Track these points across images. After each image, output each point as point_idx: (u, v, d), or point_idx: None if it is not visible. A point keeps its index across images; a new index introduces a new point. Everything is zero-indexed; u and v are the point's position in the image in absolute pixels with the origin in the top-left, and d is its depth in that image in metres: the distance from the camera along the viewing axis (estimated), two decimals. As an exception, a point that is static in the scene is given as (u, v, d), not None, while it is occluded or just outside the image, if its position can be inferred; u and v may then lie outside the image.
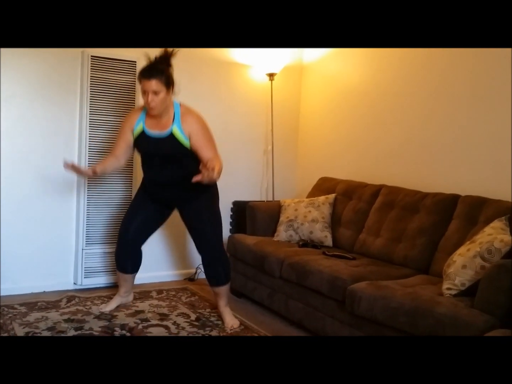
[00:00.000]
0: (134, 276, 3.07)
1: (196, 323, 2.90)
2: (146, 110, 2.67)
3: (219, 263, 2.85)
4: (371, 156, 3.64)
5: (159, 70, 2.57)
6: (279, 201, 3.69)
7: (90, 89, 3.27)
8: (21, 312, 2.92)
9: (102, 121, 3.33)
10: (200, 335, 2.74)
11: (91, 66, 3.25)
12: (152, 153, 2.72)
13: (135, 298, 3.28)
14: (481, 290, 2.06)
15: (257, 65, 4.01)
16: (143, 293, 3.41)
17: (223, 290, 2.90)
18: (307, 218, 3.38)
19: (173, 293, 3.46)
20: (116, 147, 2.83)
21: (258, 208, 3.59)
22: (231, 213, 3.94)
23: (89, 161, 3.31)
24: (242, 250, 3.32)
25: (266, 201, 4.09)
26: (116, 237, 3.40)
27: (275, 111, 4.07)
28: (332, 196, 3.51)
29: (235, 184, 4.06)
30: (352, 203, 3.40)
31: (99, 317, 2.91)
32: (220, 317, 2.97)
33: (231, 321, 2.90)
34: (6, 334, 2.58)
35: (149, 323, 2.87)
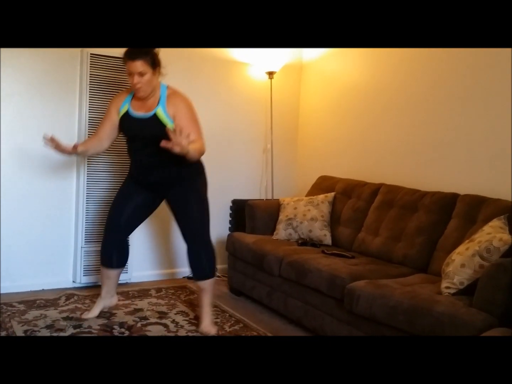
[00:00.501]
0: (119, 273, 2.92)
1: (195, 321, 2.90)
2: (133, 92, 2.62)
3: (204, 253, 2.72)
4: (371, 154, 3.64)
5: (144, 51, 2.50)
6: (278, 199, 3.69)
7: (89, 87, 3.26)
8: (19, 310, 2.92)
9: (101, 119, 3.32)
10: (198, 333, 2.74)
11: (90, 64, 3.25)
12: (135, 135, 2.65)
13: (134, 296, 3.28)
14: (479, 289, 2.06)
15: (257, 64, 4.00)
16: (142, 291, 3.41)
17: (208, 284, 2.75)
18: (306, 216, 3.38)
19: (172, 291, 3.46)
20: (100, 128, 2.77)
21: (258, 206, 3.59)
22: (230, 212, 3.94)
23: (88, 159, 3.31)
24: (241, 249, 3.32)
25: (266, 199, 4.09)
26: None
27: (274, 109, 4.07)
28: (331, 195, 3.51)
29: (234, 183, 4.06)
30: (351, 201, 3.40)
31: (98, 315, 2.91)
32: (198, 316, 2.83)
33: (207, 327, 2.74)
34: (5, 332, 2.58)
35: (148, 321, 2.87)
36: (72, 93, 3.32)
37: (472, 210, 2.67)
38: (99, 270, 3.43)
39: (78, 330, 2.68)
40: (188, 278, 3.78)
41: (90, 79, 3.26)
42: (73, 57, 3.29)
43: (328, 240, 3.34)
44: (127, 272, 3.54)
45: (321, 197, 3.50)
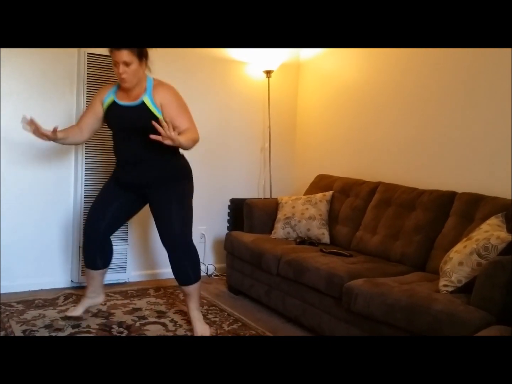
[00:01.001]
0: (104, 273, 2.84)
1: (194, 321, 2.90)
2: (119, 84, 2.55)
3: (186, 258, 2.60)
4: (368, 153, 3.64)
5: None
6: (276, 198, 3.70)
7: (87, 86, 3.26)
8: (18, 310, 2.92)
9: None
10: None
11: (87, 63, 3.25)
12: (121, 125, 2.56)
13: (132, 296, 3.28)
14: (477, 287, 2.06)
15: (254, 62, 4.00)
16: (141, 291, 3.42)
17: (192, 290, 2.62)
18: (304, 215, 3.38)
19: (171, 290, 3.46)
20: (81, 118, 2.70)
21: (256, 205, 3.59)
22: (229, 211, 3.94)
23: (86, 158, 3.31)
24: (239, 248, 3.33)
25: (264, 198, 4.09)
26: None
27: (272, 108, 4.07)
28: (329, 194, 3.51)
29: (232, 182, 4.06)
30: (349, 200, 3.41)
31: (96, 314, 2.91)
32: (189, 323, 2.74)
33: (201, 329, 2.66)
34: (3, 332, 2.58)
35: (146, 320, 2.87)
36: (70, 92, 3.32)
37: (470, 208, 2.67)
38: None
39: (76, 329, 2.68)
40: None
41: (87, 78, 3.25)
42: (70, 57, 3.29)
43: (326, 238, 3.34)
44: (125, 272, 3.54)
45: (319, 195, 3.51)
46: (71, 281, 3.42)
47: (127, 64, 2.42)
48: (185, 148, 2.42)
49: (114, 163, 2.73)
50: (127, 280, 3.58)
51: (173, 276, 2.65)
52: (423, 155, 3.22)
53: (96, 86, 3.28)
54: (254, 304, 3.29)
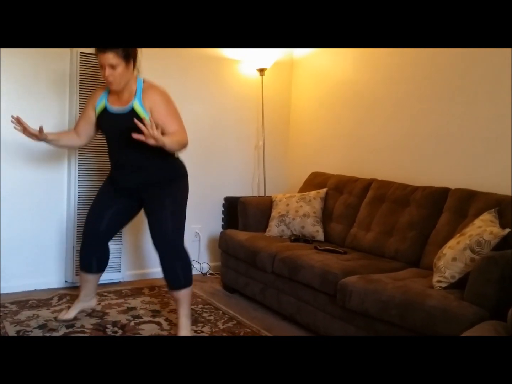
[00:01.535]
0: (98, 277, 2.82)
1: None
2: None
3: (177, 263, 2.53)
4: (362, 150, 3.65)
5: None
6: (270, 196, 3.70)
7: (79, 85, 3.24)
8: (12, 310, 2.90)
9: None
10: (192, 331, 2.74)
11: (80, 62, 3.23)
12: (113, 131, 2.53)
13: (127, 295, 3.28)
14: (471, 283, 2.07)
15: (248, 61, 4.00)
16: (135, 290, 3.41)
17: (183, 295, 2.55)
18: (298, 213, 3.39)
19: (165, 289, 3.45)
20: (76, 124, 2.70)
21: (250, 203, 3.59)
22: (223, 209, 3.94)
23: (79, 158, 3.29)
24: (234, 246, 3.33)
25: (258, 196, 4.09)
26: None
27: (266, 106, 4.07)
28: (323, 191, 3.52)
29: (226, 180, 4.06)
30: (343, 197, 3.41)
31: (90, 314, 2.90)
32: (176, 326, 2.64)
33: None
34: (-3, 333, 2.57)
35: (141, 319, 2.87)
36: (62, 92, 3.30)
37: (463, 204, 2.69)
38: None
39: (71, 329, 2.67)
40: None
41: (80, 77, 3.24)
42: (62, 56, 3.27)
43: (320, 236, 3.35)
44: (120, 271, 3.53)
45: (313, 193, 3.51)
46: (65, 281, 3.41)
47: (113, 66, 2.38)
48: (169, 150, 2.38)
49: (108, 163, 2.71)
50: (121, 280, 3.57)
51: (159, 258, 2.58)
52: (416, 152, 3.23)
53: (89, 85, 3.27)
54: (249, 302, 3.29)
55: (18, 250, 3.25)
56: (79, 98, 3.24)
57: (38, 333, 2.60)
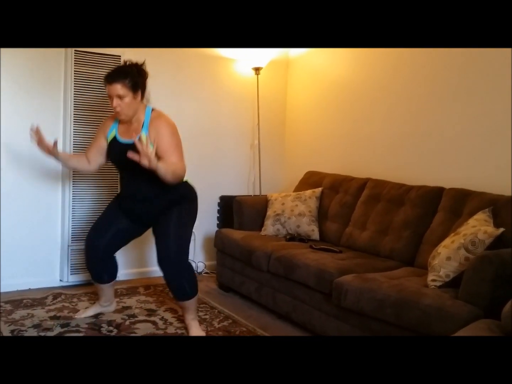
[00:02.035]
0: (113, 284, 2.89)
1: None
2: None
3: (183, 279, 2.58)
4: (357, 150, 3.66)
5: (123, 73, 2.45)
6: (266, 195, 3.70)
7: (74, 84, 3.23)
8: (6, 309, 2.89)
9: (86, 116, 3.30)
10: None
11: (74, 60, 3.22)
12: (122, 161, 2.54)
13: (122, 294, 3.27)
14: (465, 281, 2.08)
15: (243, 60, 3.99)
16: (130, 289, 3.40)
17: (189, 303, 2.63)
18: (294, 212, 3.39)
19: (161, 288, 3.45)
20: (88, 150, 2.75)
21: (245, 202, 3.59)
22: (218, 208, 3.94)
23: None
24: (229, 245, 3.33)
25: (253, 195, 4.10)
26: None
27: (261, 105, 4.07)
28: (318, 190, 3.52)
29: (221, 179, 4.05)
30: (339, 196, 3.42)
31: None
32: (186, 328, 2.72)
33: (197, 334, 2.66)
34: (-9, 332, 2.56)
35: (136, 318, 2.86)
36: (57, 89, 3.29)
37: (457, 204, 2.70)
38: (86, 268, 3.42)
39: (65, 329, 2.66)
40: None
41: (74, 75, 3.23)
42: (57, 54, 3.25)
43: (316, 235, 3.35)
44: (115, 270, 3.52)
45: (308, 192, 3.51)
46: (60, 280, 3.40)
47: (120, 97, 2.43)
48: (161, 176, 2.36)
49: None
50: (116, 279, 3.55)
51: (161, 274, 2.63)
52: (411, 151, 3.24)
53: (83, 83, 3.26)
54: (244, 301, 3.29)
55: (12, 248, 3.23)
56: (74, 96, 3.24)
57: (32, 332, 2.59)
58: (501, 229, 2.21)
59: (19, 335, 2.55)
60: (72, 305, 3.02)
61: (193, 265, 3.88)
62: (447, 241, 2.35)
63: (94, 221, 2.85)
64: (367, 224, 3.11)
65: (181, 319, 2.87)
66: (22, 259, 3.28)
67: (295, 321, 2.83)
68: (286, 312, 2.87)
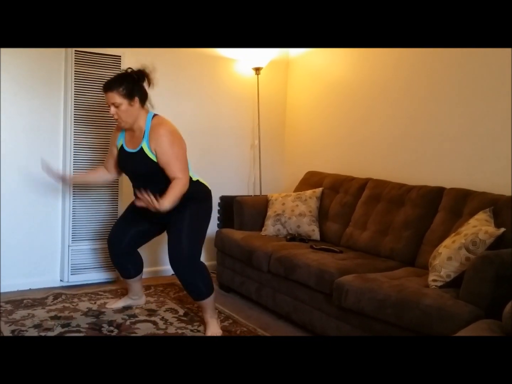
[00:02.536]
0: (140, 278, 3.00)
1: (184, 318, 2.90)
2: None
3: (197, 278, 2.61)
4: (358, 150, 3.65)
5: (118, 81, 2.48)
6: (266, 195, 3.69)
7: (75, 84, 3.23)
8: (7, 309, 2.89)
9: (87, 116, 3.30)
10: (188, 330, 2.74)
11: (75, 60, 3.21)
12: (128, 170, 2.69)
13: (122, 294, 3.26)
14: (466, 282, 2.08)
15: (243, 60, 3.99)
16: (131, 289, 3.40)
17: (206, 302, 2.66)
18: (294, 212, 3.39)
19: (161, 288, 3.45)
20: (105, 160, 2.87)
21: (246, 202, 3.59)
22: (219, 208, 3.93)
23: (74, 156, 3.28)
24: (230, 245, 3.32)
25: (254, 195, 4.09)
26: (102, 232, 3.39)
27: (261, 105, 4.07)
28: (319, 190, 3.52)
29: (222, 179, 4.05)
30: (339, 196, 3.42)
31: (86, 313, 2.89)
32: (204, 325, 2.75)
33: (212, 331, 2.67)
34: (-9, 333, 2.56)
35: (137, 319, 2.86)
36: (57, 89, 3.29)
37: (458, 204, 2.69)
38: (87, 269, 3.42)
39: (66, 329, 2.66)
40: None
41: (75, 75, 3.22)
42: (57, 54, 3.25)
43: (316, 235, 3.35)
44: (115, 270, 3.52)
45: (309, 192, 3.51)
46: (60, 280, 3.40)
47: (116, 105, 2.48)
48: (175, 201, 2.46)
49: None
50: (117, 279, 3.56)
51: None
52: (412, 151, 3.24)
53: (83, 83, 3.25)
54: (245, 301, 3.29)
55: (13, 249, 3.23)
56: (74, 96, 3.23)
57: (33, 332, 2.59)
58: (502, 229, 2.21)
59: (20, 335, 2.55)
60: (73, 305, 3.01)
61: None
62: (448, 241, 2.35)
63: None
64: (367, 224, 3.10)
65: (182, 319, 2.87)
66: (22, 259, 3.28)
67: (295, 321, 2.83)
68: (287, 312, 2.87)
